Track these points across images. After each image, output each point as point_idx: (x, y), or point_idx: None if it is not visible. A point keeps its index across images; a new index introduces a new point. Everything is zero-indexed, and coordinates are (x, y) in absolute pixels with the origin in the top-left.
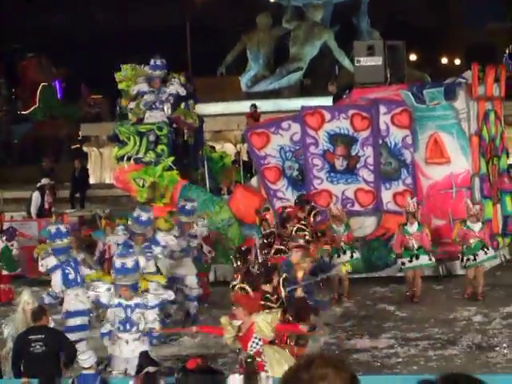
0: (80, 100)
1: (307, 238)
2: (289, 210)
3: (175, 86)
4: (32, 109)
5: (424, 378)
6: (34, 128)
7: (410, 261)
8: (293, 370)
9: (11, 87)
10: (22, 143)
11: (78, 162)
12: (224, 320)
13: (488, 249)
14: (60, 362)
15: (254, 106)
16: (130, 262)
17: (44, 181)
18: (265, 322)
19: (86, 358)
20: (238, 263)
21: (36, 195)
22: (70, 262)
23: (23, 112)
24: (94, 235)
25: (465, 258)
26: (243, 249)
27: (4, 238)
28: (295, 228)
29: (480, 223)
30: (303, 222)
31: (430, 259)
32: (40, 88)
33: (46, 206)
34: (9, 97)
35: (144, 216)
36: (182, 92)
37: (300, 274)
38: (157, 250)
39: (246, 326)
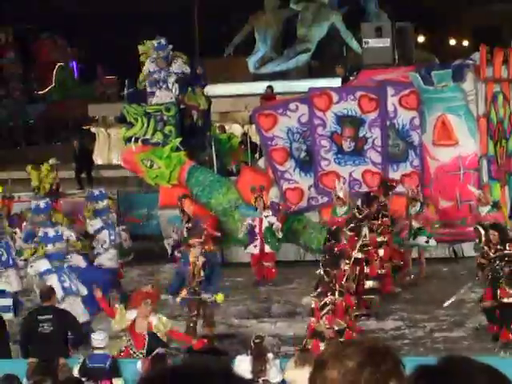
0: (95, 81)
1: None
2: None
3: (179, 65)
4: (48, 89)
5: (424, 363)
6: (49, 108)
7: (408, 239)
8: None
9: (26, 67)
10: (37, 123)
11: (77, 142)
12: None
13: None
14: (68, 343)
15: (270, 87)
16: None
17: (51, 161)
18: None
19: (100, 338)
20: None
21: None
22: (2, 244)
23: (39, 92)
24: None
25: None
26: (334, 229)
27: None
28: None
29: (488, 206)
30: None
31: (427, 241)
32: (56, 68)
33: (54, 186)
34: (24, 77)
35: (42, 204)
36: (186, 70)
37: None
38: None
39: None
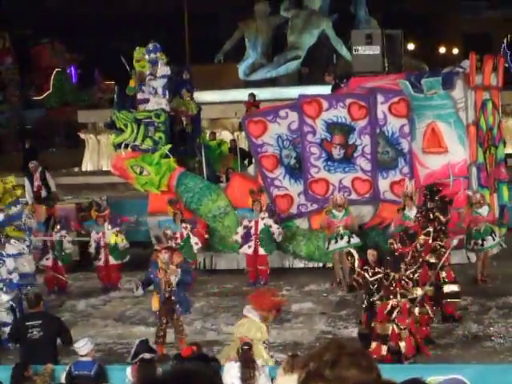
0: (93, 86)
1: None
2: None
3: (161, 68)
4: (45, 94)
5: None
6: (46, 114)
7: None
8: (318, 364)
9: (24, 73)
10: (35, 129)
11: (28, 141)
12: None
13: (496, 235)
14: (56, 348)
15: (252, 95)
16: None
17: (30, 164)
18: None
19: (81, 346)
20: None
21: (26, 182)
22: None
23: (36, 97)
24: (86, 225)
25: (472, 241)
26: (411, 232)
27: None
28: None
29: (486, 206)
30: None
31: None
32: (54, 74)
33: (36, 189)
34: (22, 82)
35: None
36: (167, 72)
37: None
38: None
39: None
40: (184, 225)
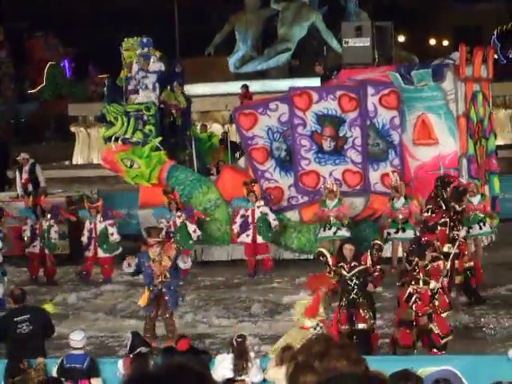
0: (87, 79)
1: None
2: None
3: (153, 64)
4: (39, 88)
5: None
6: (40, 107)
7: (396, 232)
8: (307, 356)
9: (18, 66)
10: (29, 122)
11: None
12: None
13: (484, 224)
14: (43, 341)
15: (245, 86)
16: None
17: (20, 157)
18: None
19: (78, 339)
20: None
21: (17, 174)
22: None
23: (30, 91)
24: (81, 214)
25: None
26: (430, 224)
27: None
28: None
29: (479, 196)
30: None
31: (415, 234)
32: (47, 67)
33: (23, 181)
34: (16, 76)
35: None
36: (161, 67)
37: None
38: None
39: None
40: (178, 213)
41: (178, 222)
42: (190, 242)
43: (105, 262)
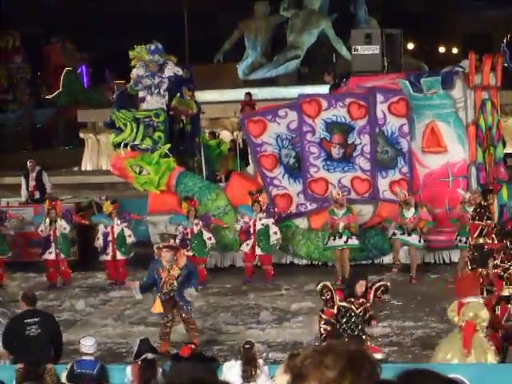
0: (103, 85)
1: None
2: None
3: (171, 69)
4: (55, 93)
5: (383, 379)
6: (57, 113)
7: (402, 234)
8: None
9: (35, 72)
10: (45, 128)
11: None
12: None
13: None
14: (51, 346)
15: (248, 94)
16: None
17: (28, 163)
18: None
19: (89, 344)
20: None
21: (22, 180)
22: None
23: (47, 96)
24: (94, 219)
25: (457, 238)
26: (508, 229)
27: None
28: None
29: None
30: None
31: (420, 241)
32: (64, 73)
33: (31, 189)
34: (32, 81)
35: None
36: (178, 71)
37: None
38: None
39: None
40: (196, 221)
41: (196, 229)
42: (206, 249)
43: (121, 265)
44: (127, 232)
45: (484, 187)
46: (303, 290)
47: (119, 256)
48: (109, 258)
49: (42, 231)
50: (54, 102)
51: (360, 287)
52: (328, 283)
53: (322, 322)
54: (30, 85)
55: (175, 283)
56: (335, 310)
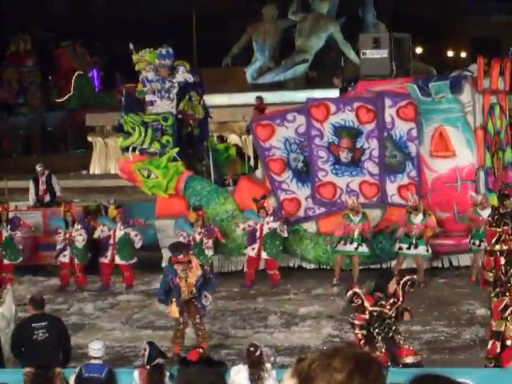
0: (114, 89)
1: None
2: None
3: (182, 74)
4: (66, 97)
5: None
6: (68, 116)
7: (408, 248)
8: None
9: (46, 75)
10: (55, 131)
11: None
12: None
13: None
14: (59, 350)
15: (259, 97)
16: None
17: (37, 167)
18: None
19: (97, 348)
20: None
21: (30, 184)
22: None
23: (58, 100)
24: (100, 221)
25: (471, 242)
26: None
27: (8, 228)
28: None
29: (489, 209)
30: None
31: (427, 250)
32: (75, 76)
33: (41, 193)
34: (44, 85)
35: None
36: (190, 79)
37: None
38: None
39: None
40: (199, 230)
41: (198, 238)
42: (207, 255)
43: (125, 269)
44: (134, 236)
45: (499, 192)
46: (311, 294)
47: (118, 260)
48: (107, 260)
49: (59, 238)
50: (65, 106)
51: (392, 286)
52: (357, 290)
53: (358, 329)
54: (41, 88)
55: (194, 290)
56: (367, 316)
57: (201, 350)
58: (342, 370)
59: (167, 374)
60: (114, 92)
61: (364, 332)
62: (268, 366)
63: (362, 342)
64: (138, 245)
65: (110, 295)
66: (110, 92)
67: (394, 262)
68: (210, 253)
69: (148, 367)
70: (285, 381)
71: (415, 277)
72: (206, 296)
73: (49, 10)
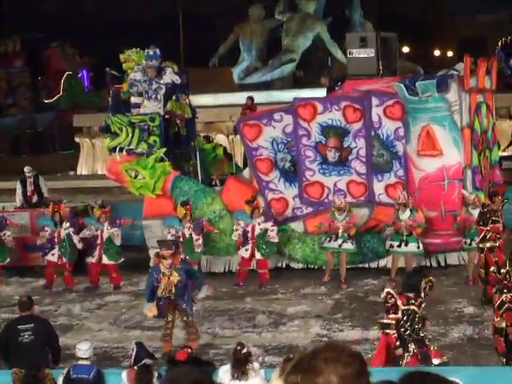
0: (104, 88)
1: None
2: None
3: (169, 76)
4: (56, 97)
5: (384, 379)
6: (57, 117)
7: (399, 246)
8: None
9: (35, 76)
10: (45, 132)
11: None
12: None
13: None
14: (47, 352)
15: (250, 98)
16: None
17: (25, 169)
18: None
19: (85, 349)
20: None
21: (18, 185)
22: None
23: (47, 101)
24: (86, 220)
25: (463, 241)
26: None
27: None
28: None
29: (479, 209)
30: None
31: (418, 247)
32: (64, 77)
33: (29, 193)
34: (32, 86)
35: None
36: (177, 80)
37: None
38: None
39: None
40: (188, 224)
41: (187, 233)
42: (197, 252)
43: (112, 269)
44: (116, 235)
45: (490, 190)
46: (299, 294)
47: (105, 260)
48: (94, 260)
49: (45, 234)
50: (55, 107)
51: (424, 284)
52: (390, 289)
53: (392, 329)
54: (31, 89)
55: (173, 289)
56: (399, 315)
57: (189, 350)
58: (351, 365)
59: (155, 374)
60: (103, 92)
61: (394, 332)
62: (256, 365)
63: (398, 342)
64: (117, 242)
65: (97, 296)
66: (99, 92)
67: (382, 262)
68: (199, 249)
69: (136, 368)
70: (273, 380)
71: (433, 279)
72: (199, 296)
73: (38, 11)
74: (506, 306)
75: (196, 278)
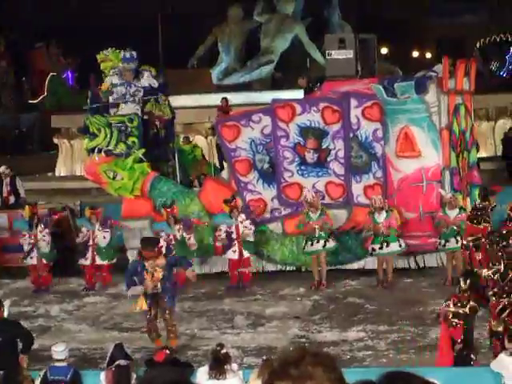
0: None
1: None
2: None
3: (147, 79)
4: (40, 98)
5: (363, 380)
6: (38, 117)
7: (381, 247)
8: (282, 363)
9: (19, 77)
10: (29, 132)
11: None
12: None
13: (461, 238)
14: (18, 353)
15: (225, 99)
16: None
17: (0, 169)
18: None
19: (60, 350)
20: None
21: None
22: None
23: (31, 101)
24: (78, 222)
25: (437, 242)
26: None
27: None
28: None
29: (457, 209)
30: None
31: (400, 245)
32: (48, 77)
33: (5, 195)
34: (16, 86)
35: None
36: (154, 84)
37: None
38: None
39: None
40: (177, 226)
41: (178, 235)
42: (192, 250)
43: (104, 269)
44: (103, 237)
45: (484, 189)
46: (278, 295)
47: (98, 261)
48: (87, 262)
49: (25, 241)
50: (39, 107)
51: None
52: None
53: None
54: (15, 90)
55: (159, 285)
56: (467, 310)
57: (167, 352)
58: (335, 370)
59: (134, 375)
60: (87, 93)
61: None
62: (234, 365)
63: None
64: (102, 243)
65: (75, 297)
66: (84, 93)
67: (360, 263)
68: (194, 247)
69: (113, 369)
70: (251, 381)
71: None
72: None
73: (22, 12)
74: (508, 310)
75: (182, 262)
